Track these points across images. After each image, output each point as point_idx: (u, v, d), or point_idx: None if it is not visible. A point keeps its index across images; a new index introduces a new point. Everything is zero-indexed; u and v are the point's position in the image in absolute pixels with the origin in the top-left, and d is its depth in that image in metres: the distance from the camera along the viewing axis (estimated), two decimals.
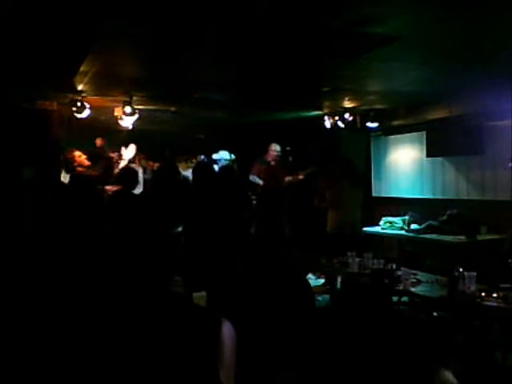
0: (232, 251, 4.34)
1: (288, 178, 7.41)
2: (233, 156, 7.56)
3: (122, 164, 6.36)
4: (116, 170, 6.17)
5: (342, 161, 7.09)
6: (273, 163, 7.47)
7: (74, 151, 5.83)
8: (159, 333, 1.77)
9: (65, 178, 5.83)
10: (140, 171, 6.98)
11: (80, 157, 5.80)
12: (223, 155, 7.49)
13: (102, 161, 6.23)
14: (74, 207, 4.82)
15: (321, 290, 3.93)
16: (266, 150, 7.56)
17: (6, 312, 3.23)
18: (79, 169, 5.71)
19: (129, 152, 6.62)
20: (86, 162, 5.80)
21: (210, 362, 1.69)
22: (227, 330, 1.76)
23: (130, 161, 6.66)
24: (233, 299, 2.82)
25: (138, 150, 7.08)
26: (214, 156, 7.53)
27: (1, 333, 2.90)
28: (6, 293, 3.66)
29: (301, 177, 7.35)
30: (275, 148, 7.46)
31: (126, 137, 7.10)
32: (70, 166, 5.75)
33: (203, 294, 4.03)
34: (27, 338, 2.77)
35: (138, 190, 6.22)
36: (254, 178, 7.35)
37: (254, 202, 7.12)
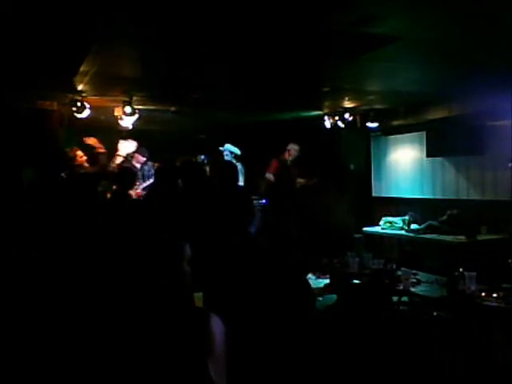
0: (230, 250, 4.34)
1: (300, 180, 7.46)
2: (238, 150, 7.51)
3: (119, 160, 6.25)
4: (113, 165, 6.09)
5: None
6: (290, 162, 7.52)
7: (76, 150, 5.80)
8: (148, 329, 1.77)
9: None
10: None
11: (81, 157, 5.78)
12: (229, 147, 7.47)
13: (98, 157, 6.09)
14: (69, 205, 4.81)
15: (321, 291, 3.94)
16: (267, 150, 7.60)
17: (4, 310, 3.24)
18: (78, 169, 5.69)
19: (127, 147, 6.41)
20: (86, 164, 5.78)
21: (199, 357, 1.69)
22: (216, 324, 1.77)
23: (127, 157, 6.53)
24: (231, 299, 2.82)
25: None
26: (220, 147, 7.52)
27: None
28: (5, 292, 3.67)
29: (315, 181, 7.43)
30: (294, 147, 7.51)
31: (126, 137, 7.08)
32: (68, 163, 5.71)
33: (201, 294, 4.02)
34: (24, 335, 2.78)
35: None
36: (269, 176, 7.42)
37: (257, 201, 7.18)
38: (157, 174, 5.17)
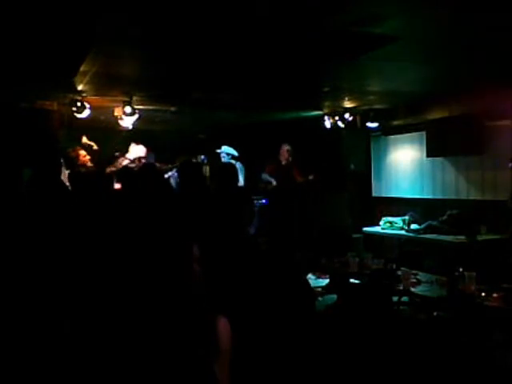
0: (229, 251, 4.34)
1: (299, 178, 7.49)
2: (234, 151, 7.48)
3: (125, 162, 6.23)
4: (119, 166, 6.06)
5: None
6: (284, 163, 7.55)
7: (79, 150, 5.78)
8: (154, 329, 1.78)
9: (64, 174, 5.76)
10: None
11: (84, 157, 5.75)
12: (225, 149, 7.45)
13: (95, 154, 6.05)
14: (71, 205, 4.79)
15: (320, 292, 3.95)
16: (267, 150, 7.62)
17: (5, 311, 3.24)
18: (81, 169, 5.67)
19: (137, 152, 6.39)
20: (90, 164, 5.75)
21: (205, 357, 1.70)
22: (223, 324, 1.78)
23: (134, 161, 6.51)
24: (230, 299, 2.82)
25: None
26: (217, 150, 7.51)
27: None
28: (6, 292, 3.66)
29: (310, 177, 7.43)
30: (285, 148, 7.56)
31: (127, 137, 7.07)
32: (71, 163, 5.69)
33: None
34: (24, 336, 2.78)
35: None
36: (265, 177, 7.49)
37: (257, 201, 7.19)
38: (140, 174, 5.09)
